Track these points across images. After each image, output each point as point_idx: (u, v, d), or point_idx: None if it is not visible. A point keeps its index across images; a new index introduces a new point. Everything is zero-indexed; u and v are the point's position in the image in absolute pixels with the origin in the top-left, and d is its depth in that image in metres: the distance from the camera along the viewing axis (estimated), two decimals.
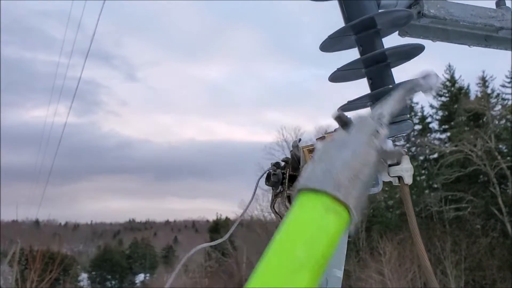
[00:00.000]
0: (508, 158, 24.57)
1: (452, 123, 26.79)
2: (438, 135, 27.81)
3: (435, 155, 27.21)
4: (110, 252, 62.38)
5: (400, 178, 1.07)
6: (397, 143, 1.11)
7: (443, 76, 27.89)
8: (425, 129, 27.92)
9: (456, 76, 27.74)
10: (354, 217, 0.55)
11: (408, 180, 1.07)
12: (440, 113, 27.69)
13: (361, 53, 1.11)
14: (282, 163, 0.98)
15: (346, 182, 0.55)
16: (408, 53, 1.11)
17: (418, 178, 29.26)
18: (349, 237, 0.96)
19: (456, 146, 24.08)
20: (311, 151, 0.96)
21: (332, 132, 0.99)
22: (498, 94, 26.58)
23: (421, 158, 28.07)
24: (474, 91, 27.55)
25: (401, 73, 1.13)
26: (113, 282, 59.51)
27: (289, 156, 1.01)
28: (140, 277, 62.93)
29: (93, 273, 58.57)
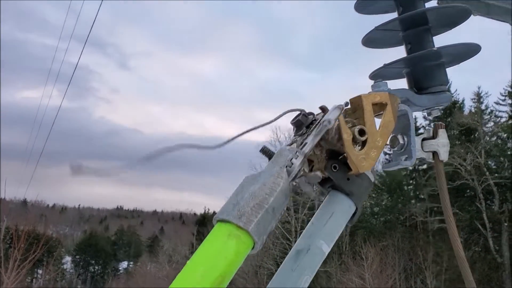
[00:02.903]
0: (496, 174, 24.72)
1: None
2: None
3: (424, 166, 27.25)
4: (96, 237, 62.06)
5: (434, 153, 0.96)
6: (433, 115, 1.00)
7: None
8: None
9: (452, 89, 27.80)
10: (256, 239, 0.70)
11: (444, 156, 0.96)
12: (432, 126, 27.67)
13: (401, 14, 1.00)
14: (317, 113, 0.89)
15: (249, 210, 0.70)
16: (452, 18, 1.00)
17: (405, 188, 29.33)
18: (348, 224, 0.88)
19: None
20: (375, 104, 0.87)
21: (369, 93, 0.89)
22: (491, 111, 26.75)
23: (410, 168, 28.16)
24: (468, 106, 27.69)
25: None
26: (96, 267, 59.32)
27: None
28: (124, 264, 62.71)
29: (77, 256, 58.26)
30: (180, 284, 0.64)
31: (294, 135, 0.89)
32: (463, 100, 28.03)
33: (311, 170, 0.89)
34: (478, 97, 26.73)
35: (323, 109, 0.89)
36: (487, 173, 23.97)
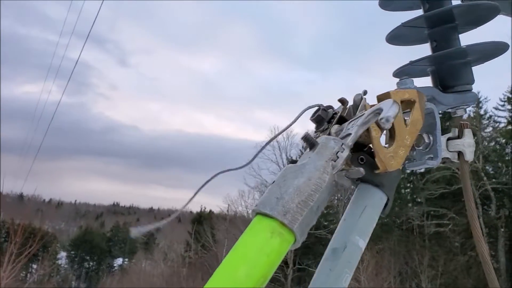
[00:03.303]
0: (494, 180, 24.75)
1: None
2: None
3: (422, 170, 27.27)
4: (91, 233, 61.96)
5: (460, 153, 0.94)
6: (458, 114, 0.98)
7: None
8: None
9: None
10: (298, 238, 0.67)
11: (470, 156, 0.94)
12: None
13: (426, 11, 0.98)
14: (336, 106, 0.87)
15: (294, 207, 0.66)
16: (479, 15, 0.98)
17: (402, 191, 29.35)
18: (381, 214, 0.86)
19: (444, 163, 24.08)
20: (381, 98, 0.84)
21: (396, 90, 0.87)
22: (490, 116, 26.77)
23: (408, 171, 28.14)
24: (468, 110, 27.56)
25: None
26: (91, 263, 59.28)
27: None
28: (119, 261, 62.61)
29: (72, 252, 58.17)
30: (223, 283, 0.60)
31: (316, 132, 0.87)
32: None
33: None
34: (478, 102, 26.73)
35: (343, 102, 0.87)
36: (485, 178, 23.99)
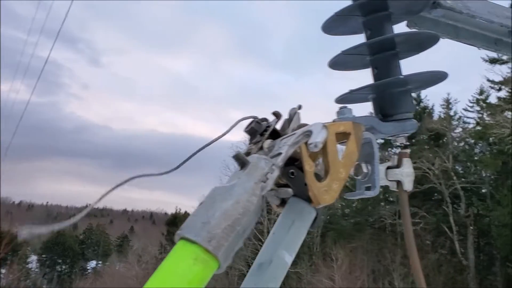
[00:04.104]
0: (463, 179, 25.27)
1: (414, 140, 27.31)
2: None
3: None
4: (63, 236, 60.75)
5: (399, 183, 0.94)
6: (398, 142, 0.98)
7: None
8: (387, 144, 28.35)
9: (423, 95, 28.31)
10: (222, 264, 0.65)
11: (408, 186, 0.94)
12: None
13: (368, 38, 0.98)
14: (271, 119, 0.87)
15: (220, 233, 0.65)
16: (420, 43, 0.99)
17: None
18: (310, 228, 0.87)
19: (415, 163, 24.26)
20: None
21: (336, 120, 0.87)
22: (460, 117, 27.32)
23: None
24: (438, 111, 28.20)
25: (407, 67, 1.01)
26: (64, 267, 58.19)
27: None
28: (92, 263, 61.69)
29: (44, 256, 56.98)
30: None
31: (249, 143, 0.86)
32: (433, 106, 28.57)
33: None
34: (447, 104, 27.29)
35: (276, 115, 0.87)
36: (454, 177, 24.48)
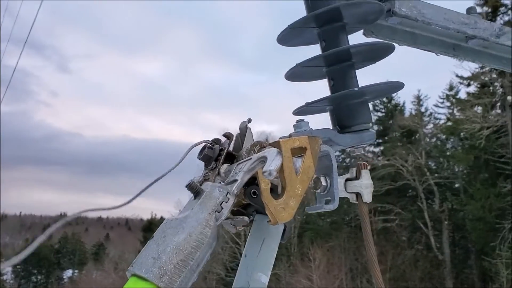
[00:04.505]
0: (436, 174, 25.69)
1: (386, 137, 27.69)
2: (372, 148, 28.64)
3: (368, 167, 27.90)
4: (38, 247, 59.47)
5: (358, 195, 0.93)
6: (357, 153, 0.98)
7: None
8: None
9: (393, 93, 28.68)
10: None
11: (368, 198, 0.93)
12: (376, 127, 28.50)
13: (323, 49, 0.97)
14: (223, 140, 0.85)
15: (172, 269, 0.63)
16: (376, 53, 0.98)
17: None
18: (281, 241, 0.87)
19: (388, 160, 24.87)
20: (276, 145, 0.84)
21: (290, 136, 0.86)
22: (431, 113, 27.80)
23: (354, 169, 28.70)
24: (409, 108, 28.62)
25: (364, 77, 1.00)
26: (39, 277, 57.08)
27: None
28: (68, 273, 60.69)
29: (18, 267, 55.73)
30: None
31: (205, 169, 0.84)
32: (404, 103, 29.00)
33: None
34: (418, 100, 27.72)
35: (228, 137, 0.86)
36: (428, 173, 24.86)
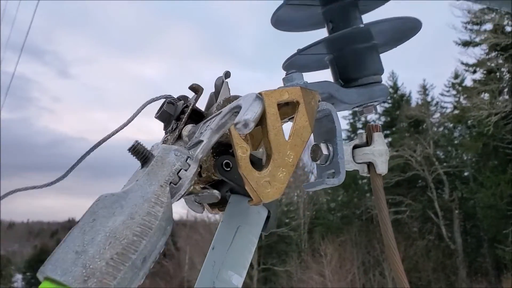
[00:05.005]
0: (445, 164, 25.39)
1: (394, 128, 27.43)
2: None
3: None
4: (47, 253, 58.83)
5: (370, 165, 0.73)
6: (366, 114, 0.76)
7: (386, 82, 28.63)
8: None
9: (399, 83, 28.43)
10: None
11: (382, 168, 0.72)
12: (383, 118, 28.24)
13: (331, 32, 0.76)
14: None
15: (103, 267, 0.43)
16: (401, 33, 0.77)
17: (360, 182, 29.73)
18: (263, 232, 0.66)
19: (397, 151, 24.64)
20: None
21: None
22: (437, 102, 27.46)
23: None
24: (415, 98, 28.37)
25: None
26: None
27: None
28: None
29: (28, 274, 55.88)
30: None
31: (165, 133, 0.64)
32: (410, 93, 28.70)
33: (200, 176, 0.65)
34: (424, 90, 27.41)
35: (196, 89, 0.65)
36: (436, 163, 24.59)
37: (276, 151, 0.58)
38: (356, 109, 0.76)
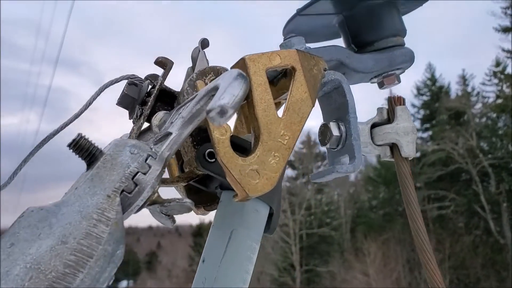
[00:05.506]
0: (490, 155, 24.56)
1: (434, 121, 26.74)
2: (420, 134, 27.76)
3: (418, 154, 27.17)
4: None
5: (394, 146, 0.59)
6: (387, 85, 0.62)
7: (423, 75, 27.95)
8: None
9: (437, 75, 27.70)
10: None
11: (409, 149, 0.58)
12: (422, 112, 27.56)
13: None
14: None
15: None
16: None
17: None
18: (266, 234, 0.55)
19: (438, 144, 24.02)
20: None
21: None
22: (478, 92, 26.59)
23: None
24: (455, 89, 27.62)
25: None
26: None
27: None
28: (123, 283, 62.02)
29: None
30: None
31: (133, 122, 0.52)
32: (449, 84, 27.90)
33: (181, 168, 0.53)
34: (464, 80, 26.59)
35: (162, 64, 0.52)
36: (481, 155, 23.80)
37: (265, 131, 0.46)
38: (375, 80, 0.62)
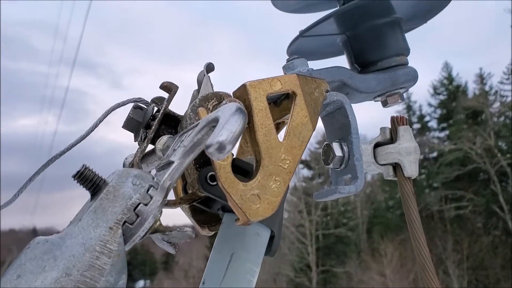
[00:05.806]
0: (508, 155, 24.21)
1: (451, 121, 26.45)
2: (437, 134, 27.52)
3: (435, 154, 26.93)
4: None
5: (396, 166, 0.59)
6: (390, 104, 0.63)
7: (440, 74, 27.69)
8: (424, 128, 27.59)
9: (453, 74, 27.41)
10: None
11: (411, 169, 0.59)
12: (439, 111, 27.33)
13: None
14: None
15: None
16: (428, 5, 0.63)
17: (418, 178, 28.61)
18: (267, 256, 0.55)
19: (455, 144, 23.76)
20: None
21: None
22: (496, 91, 26.22)
23: (421, 157, 27.67)
24: (472, 88, 27.28)
25: None
26: None
27: None
28: (140, 283, 62.51)
29: None
30: None
31: (138, 145, 0.53)
32: (466, 83, 27.56)
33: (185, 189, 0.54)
34: (481, 79, 26.24)
35: (168, 88, 0.53)
36: (499, 154, 23.47)
37: (266, 156, 0.47)
38: (378, 99, 0.62)
